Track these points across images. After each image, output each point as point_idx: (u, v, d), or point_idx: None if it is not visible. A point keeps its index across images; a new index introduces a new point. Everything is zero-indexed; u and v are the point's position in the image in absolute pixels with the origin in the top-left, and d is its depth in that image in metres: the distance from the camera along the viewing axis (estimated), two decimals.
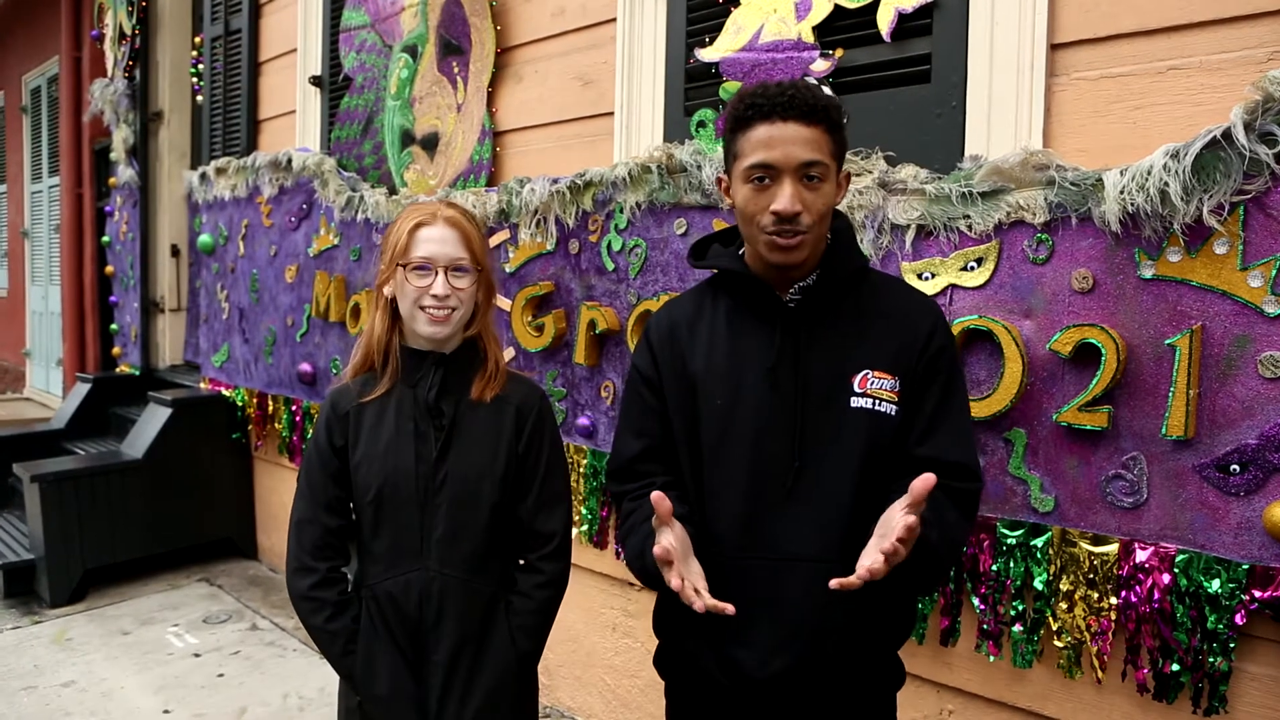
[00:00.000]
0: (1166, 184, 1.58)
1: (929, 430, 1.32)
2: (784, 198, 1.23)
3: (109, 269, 5.55)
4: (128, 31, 5.06)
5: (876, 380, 1.30)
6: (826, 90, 1.31)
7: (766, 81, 1.31)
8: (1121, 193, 1.63)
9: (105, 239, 5.58)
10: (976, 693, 1.96)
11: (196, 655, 3.33)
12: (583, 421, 2.65)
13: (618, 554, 2.63)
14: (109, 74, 5.37)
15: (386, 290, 1.54)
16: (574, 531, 2.72)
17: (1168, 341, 1.62)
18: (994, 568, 1.86)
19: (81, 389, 5.10)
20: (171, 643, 3.44)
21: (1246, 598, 1.57)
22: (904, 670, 1.46)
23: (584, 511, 2.70)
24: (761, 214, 1.26)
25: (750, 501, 1.32)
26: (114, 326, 5.54)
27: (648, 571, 1.31)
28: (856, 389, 1.30)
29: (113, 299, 5.53)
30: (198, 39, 4.84)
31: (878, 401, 1.30)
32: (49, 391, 7.52)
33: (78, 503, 3.84)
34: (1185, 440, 1.61)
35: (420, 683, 1.54)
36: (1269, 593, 1.55)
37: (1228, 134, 1.52)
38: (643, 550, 1.31)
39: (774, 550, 1.31)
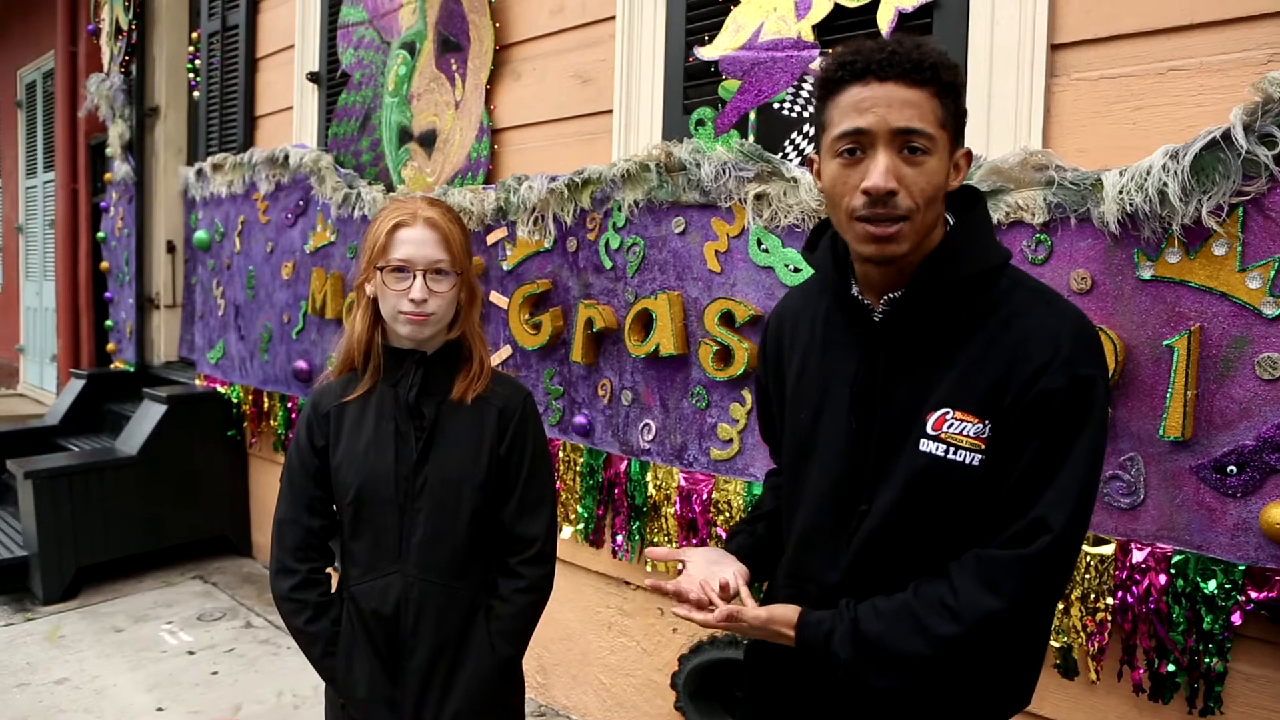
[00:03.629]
0: (1165, 185, 1.58)
1: (1012, 493, 1.06)
2: (875, 172, 1.02)
3: (104, 265, 5.53)
4: (124, 26, 5.04)
5: (957, 423, 1.07)
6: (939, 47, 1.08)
7: (866, 41, 1.09)
8: (1120, 193, 1.63)
9: (100, 235, 5.55)
10: None
11: (190, 653, 3.32)
12: (579, 420, 2.65)
13: (614, 553, 2.63)
14: (105, 69, 5.35)
15: (368, 289, 1.51)
16: (569, 530, 2.72)
17: (1166, 342, 1.62)
18: None
19: (76, 385, 5.08)
20: (165, 640, 3.43)
21: (1243, 599, 1.58)
22: None
23: (580, 510, 2.69)
24: (850, 194, 1.05)
25: (810, 531, 1.22)
26: (109, 323, 5.51)
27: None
28: (929, 430, 1.08)
29: (108, 295, 5.51)
30: (195, 34, 4.82)
31: (952, 449, 1.07)
32: (43, 388, 7.49)
33: (71, 500, 3.83)
34: (1183, 441, 1.62)
35: (398, 687, 1.52)
36: (1265, 594, 1.55)
37: (1227, 135, 1.53)
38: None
39: (814, 585, 1.20)
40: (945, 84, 1.04)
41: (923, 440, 1.09)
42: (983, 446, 1.07)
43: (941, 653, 1.06)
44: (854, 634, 1.10)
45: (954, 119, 1.07)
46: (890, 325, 1.13)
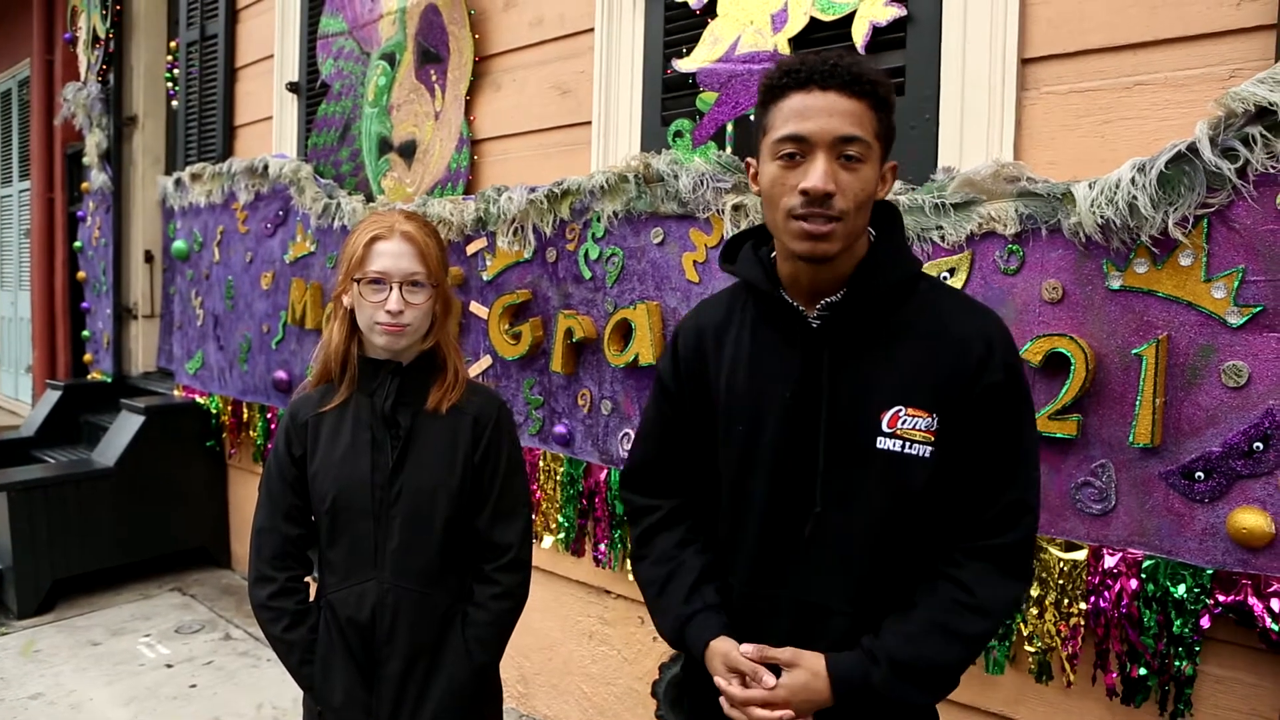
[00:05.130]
0: (1134, 197, 1.61)
1: (973, 489, 1.17)
2: (815, 174, 1.08)
3: (81, 275, 5.49)
4: (101, 35, 5.01)
5: (909, 419, 1.15)
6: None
7: (808, 54, 1.15)
8: (1091, 205, 1.66)
9: (77, 244, 5.51)
10: (949, 698, 1.97)
11: (168, 666, 3.29)
12: (559, 430, 2.66)
13: (597, 561, 2.63)
14: (82, 77, 5.31)
15: (345, 301, 1.53)
16: (550, 540, 2.73)
17: (1135, 351, 1.65)
18: None
19: (52, 396, 5.03)
20: (143, 653, 3.39)
21: (1211, 602, 1.61)
22: (937, 716, 1.35)
23: (560, 519, 2.70)
24: (788, 194, 1.11)
25: (766, 540, 1.23)
26: (85, 333, 5.46)
27: (686, 649, 1.29)
28: (885, 428, 1.15)
29: (84, 305, 5.46)
30: (173, 43, 4.80)
31: (908, 443, 1.15)
32: (18, 399, 7.40)
33: (47, 512, 3.79)
34: (1152, 448, 1.65)
35: (374, 694, 1.53)
36: (1232, 597, 1.58)
37: (1192, 148, 1.56)
38: (682, 630, 1.28)
39: (787, 593, 1.23)
40: (881, 98, 1.12)
41: (880, 438, 1.16)
42: (932, 439, 1.16)
43: (976, 648, 1.18)
44: (892, 666, 1.14)
45: (886, 132, 1.14)
46: (831, 327, 1.19)
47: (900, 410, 1.15)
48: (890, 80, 1.15)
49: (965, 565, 1.17)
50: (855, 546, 1.19)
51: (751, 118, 2.32)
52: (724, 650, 1.22)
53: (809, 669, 1.17)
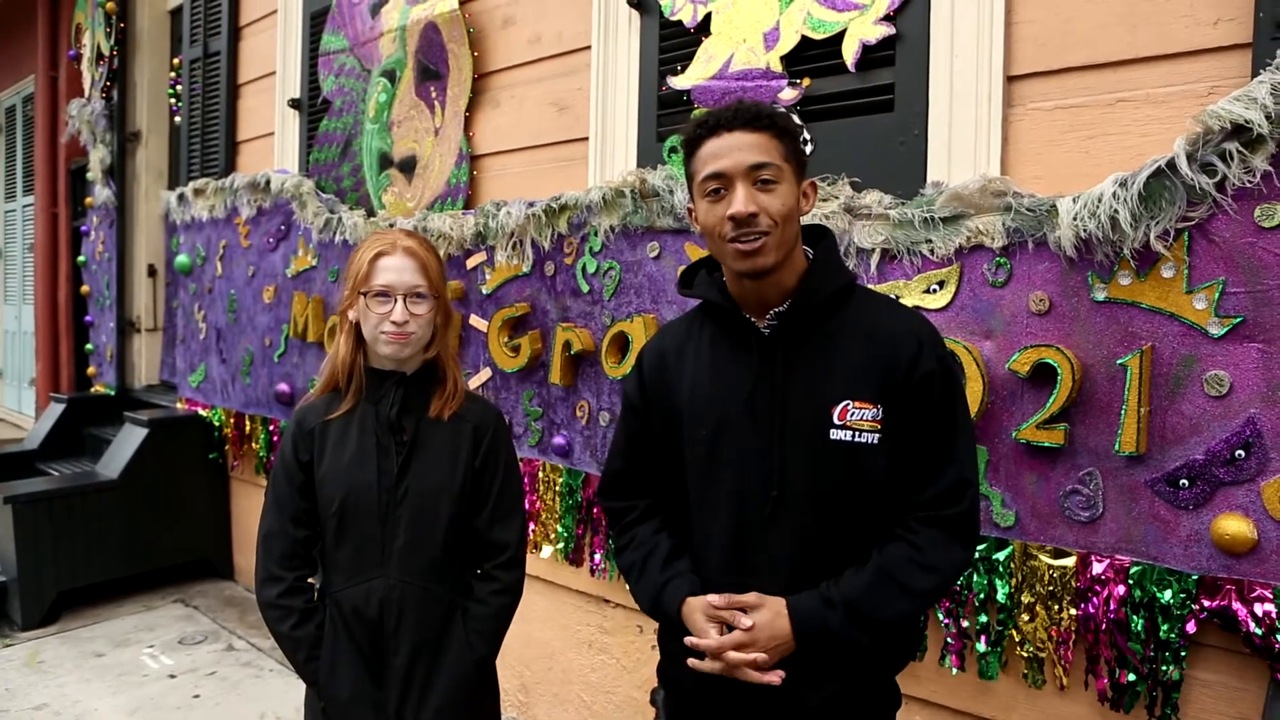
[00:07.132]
0: (1116, 211, 1.65)
1: (918, 467, 1.30)
2: (738, 200, 1.25)
3: (84, 289, 5.53)
4: (105, 52, 5.08)
5: (857, 411, 1.29)
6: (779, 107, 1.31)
7: (715, 106, 1.32)
8: (1075, 219, 1.70)
9: (81, 259, 5.56)
10: (943, 704, 2.00)
11: (172, 676, 3.32)
12: (558, 441, 2.69)
13: (592, 571, 2.66)
14: (86, 94, 5.37)
15: (351, 315, 1.63)
16: (549, 550, 2.76)
17: (1120, 361, 1.69)
18: (958, 582, 1.92)
19: (55, 409, 5.07)
20: (146, 664, 3.42)
21: (1196, 607, 1.64)
22: (899, 694, 1.45)
23: (559, 530, 2.73)
24: (721, 224, 1.28)
25: (733, 531, 1.35)
26: (89, 346, 5.51)
27: (664, 614, 1.40)
28: (836, 420, 1.29)
29: (88, 319, 5.51)
30: (176, 60, 4.86)
31: (857, 433, 1.29)
32: (22, 412, 7.44)
33: (51, 524, 3.82)
34: (1137, 456, 1.68)
35: (381, 686, 1.61)
36: (1217, 602, 1.61)
37: (1172, 164, 1.60)
38: (659, 596, 1.40)
39: (753, 578, 1.33)
40: (781, 128, 1.29)
41: (832, 430, 1.29)
42: (879, 427, 1.29)
43: (922, 603, 1.30)
44: (847, 610, 1.26)
45: (795, 154, 1.31)
46: (781, 333, 1.33)
47: (848, 404, 1.29)
48: (788, 113, 1.32)
49: (919, 531, 1.30)
50: (814, 531, 1.31)
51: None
52: (704, 603, 1.33)
53: (772, 609, 1.29)
